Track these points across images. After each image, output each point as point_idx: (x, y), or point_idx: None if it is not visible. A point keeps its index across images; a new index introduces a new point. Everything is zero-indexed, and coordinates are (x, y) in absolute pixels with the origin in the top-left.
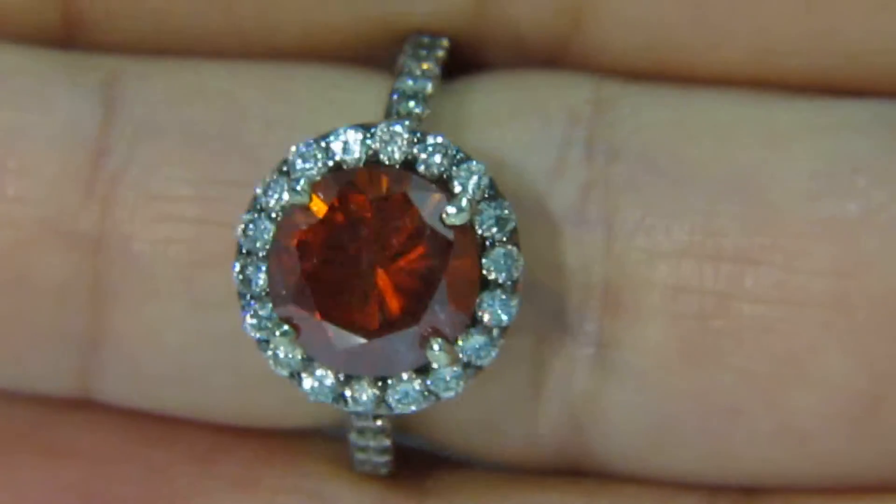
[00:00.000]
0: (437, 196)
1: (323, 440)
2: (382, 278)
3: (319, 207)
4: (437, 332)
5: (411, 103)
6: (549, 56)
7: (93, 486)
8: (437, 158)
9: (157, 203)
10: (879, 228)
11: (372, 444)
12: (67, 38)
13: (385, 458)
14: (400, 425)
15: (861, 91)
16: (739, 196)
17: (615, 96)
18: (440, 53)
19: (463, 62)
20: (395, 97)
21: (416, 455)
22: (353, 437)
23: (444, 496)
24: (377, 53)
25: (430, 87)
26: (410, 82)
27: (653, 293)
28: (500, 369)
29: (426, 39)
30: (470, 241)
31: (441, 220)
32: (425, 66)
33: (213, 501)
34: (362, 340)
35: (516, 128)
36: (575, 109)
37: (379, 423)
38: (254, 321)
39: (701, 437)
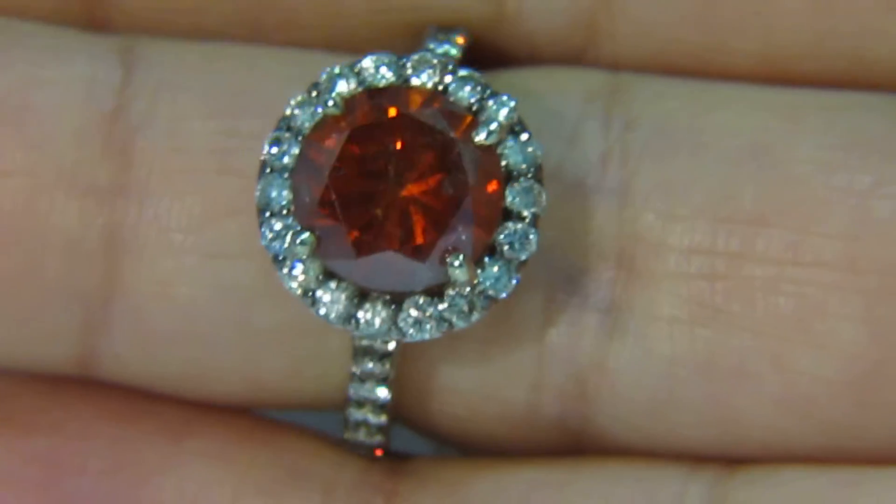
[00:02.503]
0: (469, 118)
1: (305, 426)
2: (407, 194)
3: (349, 120)
4: (456, 250)
5: (440, 49)
6: (565, 61)
7: (58, 458)
8: (469, 89)
9: (176, 156)
10: (892, 198)
11: (373, 395)
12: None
13: (381, 420)
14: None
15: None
16: (755, 164)
17: (630, 81)
18: (462, 40)
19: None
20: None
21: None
22: (352, 387)
23: (421, 476)
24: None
25: (456, 52)
26: (436, 44)
27: (666, 255)
28: (505, 331)
29: (444, 30)
30: (496, 168)
31: (470, 141)
32: (446, 46)
33: (183, 474)
34: (384, 253)
35: (533, 102)
36: (591, 89)
37: (384, 367)
38: (271, 235)
39: (706, 402)
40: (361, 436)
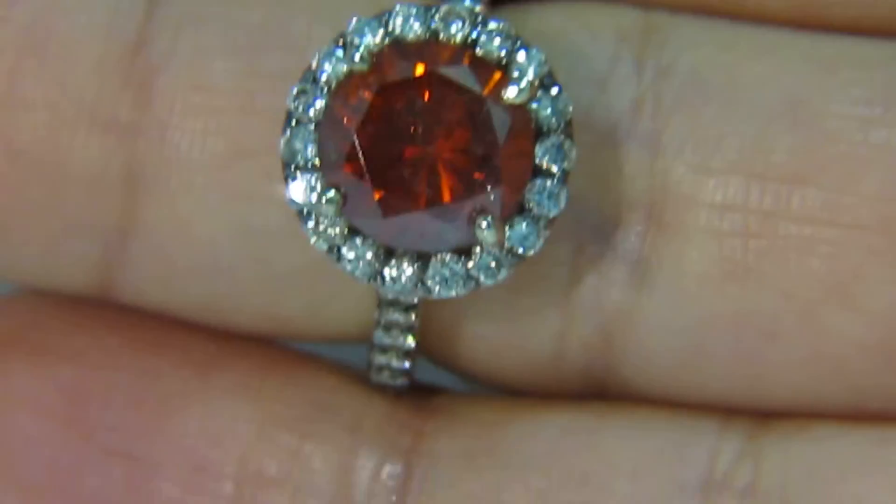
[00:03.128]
0: (498, 75)
1: (332, 359)
2: (435, 153)
3: (377, 76)
4: (485, 211)
5: (467, 2)
6: None
7: (82, 389)
8: (498, 42)
9: (198, 94)
10: None
11: (397, 342)
12: None
13: (406, 364)
14: (420, 343)
15: None
16: (790, 118)
17: (663, 22)
18: None
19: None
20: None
21: (420, 384)
22: (377, 334)
23: (449, 416)
24: None
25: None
26: None
27: (697, 210)
28: (532, 278)
29: None
30: (526, 125)
31: (500, 99)
32: None
33: (207, 408)
34: (411, 213)
35: (564, 42)
36: (623, 29)
37: (410, 317)
38: (297, 190)
39: (734, 359)
40: (385, 378)
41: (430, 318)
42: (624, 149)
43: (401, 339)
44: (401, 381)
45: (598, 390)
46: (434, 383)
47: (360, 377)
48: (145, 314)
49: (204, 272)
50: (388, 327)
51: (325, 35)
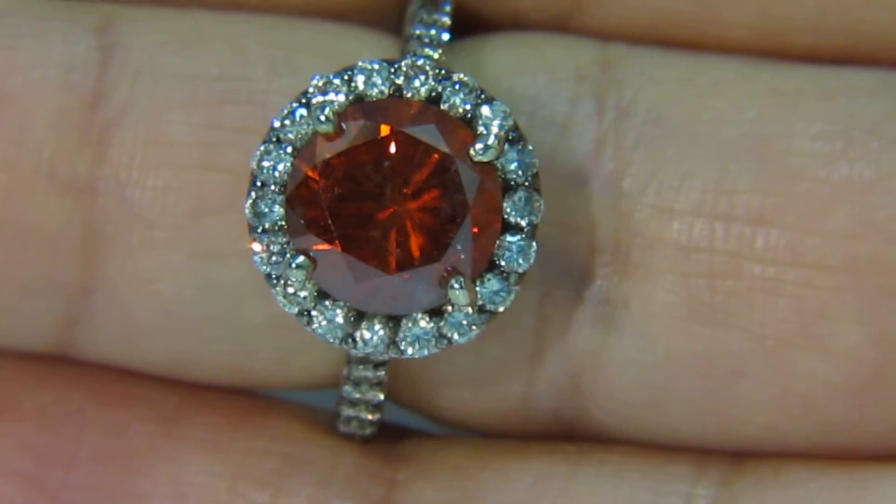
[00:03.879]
0: (464, 132)
1: (298, 404)
2: (404, 214)
3: (342, 138)
4: (457, 272)
5: (427, 49)
6: (550, 28)
7: (47, 447)
8: (462, 96)
9: (157, 148)
10: (893, 194)
11: (366, 396)
12: None
13: (374, 416)
14: (388, 387)
15: (865, 63)
16: (752, 156)
17: (621, 56)
18: (448, 8)
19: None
20: (410, 42)
21: (388, 425)
22: (346, 389)
23: (421, 463)
24: (374, 19)
25: (444, 35)
26: (424, 29)
27: (663, 251)
28: (501, 324)
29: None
30: (494, 181)
31: (467, 156)
32: (437, 16)
33: (175, 463)
34: (381, 275)
35: (524, 83)
36: (581, 67)
37: (379, 373)
38: (265, 255)
39: (703, 400)
40: (354, 428)
41: (397, 365)
42: (588, 191)
43: (370, 393)
44: (370, 432)
45: (569, 431)
46: (403, 424)
47: (328, 422)
48: (108, 367)
49: (168, 329)
50: (357, 382)
51: (286, 86)
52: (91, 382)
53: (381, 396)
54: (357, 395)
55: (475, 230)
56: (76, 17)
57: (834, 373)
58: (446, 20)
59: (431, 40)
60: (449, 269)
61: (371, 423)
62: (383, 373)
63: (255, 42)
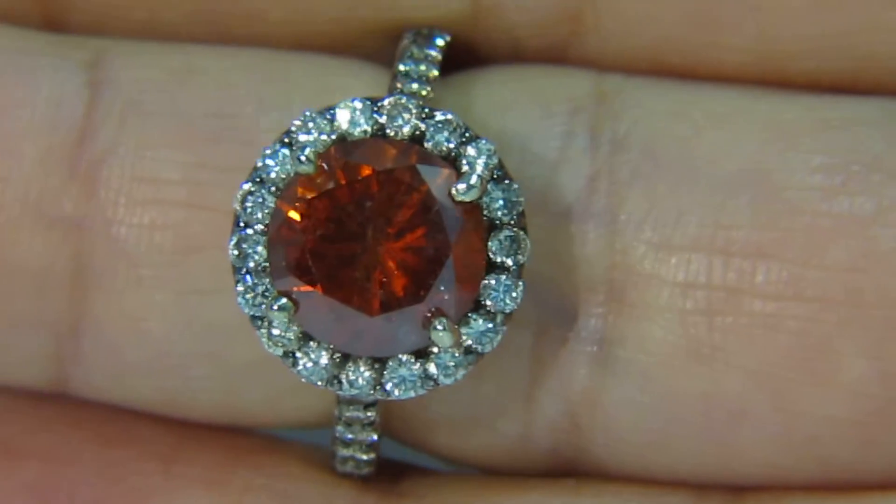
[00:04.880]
0: (446, 171)
1: (295, 442)
2: (386, 255)
3: (324, 178)
4: (440, 313)
5: (414, 85)
6: (548, 59)
7: (48, 487)
8: (446, 135)
9: (144, 186)
10: (894, 226)
11: (359, 437)
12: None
13: (369, 456)
14: (385, 425)
15: (866, 91)
16: (749, 190)
17: (617, 89)
18: (440, 43)
19: (459, 64)
20: (398, 78)
21: (388, 461)
22: (338, 429)
23: (421, 500)
24: (368, 52)
25: (433, 71)
26: (412, 65)
27: (660, 288)
28: (496, 364)
29: (425, 30)
30: (478, 221)
31: (450, 196)
32: (427, 51)
33: (173, 501)
34: (364, 318)
35: (517, 117)
36: (576, 100)
37: (369, 414)
38: (248, 296)
39: (703, 440)
40: (350, 468)
41: (393, 404)
42: (581, 228)
43: (363, 434)
44: (367, 471)
45: (568, 469)
46: (401, 460)
47: (326, 460)
48: (106, 406)
49: (156, 367)
50: (348, 423)
51: (275, 123)
52: (90, 423)
53: (375, 436)
54: (350, 436)
55: (459, 270)
56: (67, 52)
57: (838, 409)
58: (436, 55)
59: (420, 76)
60: (433, 310)
61: (367, 462)
62: (374, 413)
63: (245, 77)
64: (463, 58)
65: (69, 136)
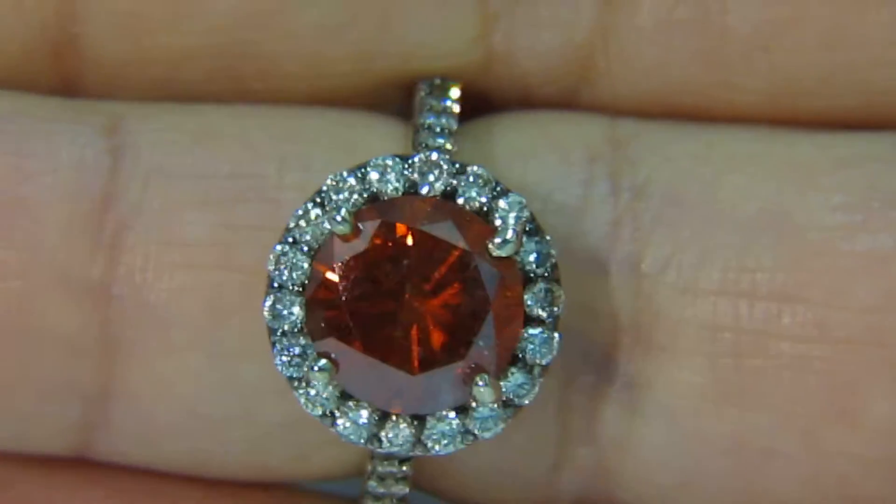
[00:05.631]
0: (480, 227)
1: (322, 493)
2: (425, 311)
3: (360, 238)
4: (480, 369)
5: (439, 139)
6: (558, 104)
7: None
8: (477, 190)
9: (171, 249)
10: None
11: (391, 490)
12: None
13: None
14: (413, 476)
15: (878, 126)
16: (771, 231)
17: (631, 134)
18: (456, 94)
19: (467, 109)
20: (421, 132)
21: None
22: (370, 484)
23: None
24: (378, 102)
25: (454, 124)
26: (434, 118)
27: (687, 332)
28: (524, 413)
29: (438, 81)
30: (514, 276)
31: (486, 252)
32: (445, 104)
33: None
34: (405, 376)
35: (537, 166)
36: (592, 147)
37: (403, 468)
38: (285, 357)
39: (733, 482)
40: None
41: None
42: (607, 274)
43: (395, 488)
44: None
45: None
46: None
47: None
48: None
49: (187, 430)
50: (381, 477)
51: (298, 182)
52: (112, 481)
53: (406, 490)
54: (381, 490)
55: (498, 326)
56: (83, 117)
57: (867, 449)
58: (455, 108)
59: (442, 129)
60: (472, 365)
61: None
62: (408, 468)
63: (264, 137)
64: (472, 104)
65: (93, 202)
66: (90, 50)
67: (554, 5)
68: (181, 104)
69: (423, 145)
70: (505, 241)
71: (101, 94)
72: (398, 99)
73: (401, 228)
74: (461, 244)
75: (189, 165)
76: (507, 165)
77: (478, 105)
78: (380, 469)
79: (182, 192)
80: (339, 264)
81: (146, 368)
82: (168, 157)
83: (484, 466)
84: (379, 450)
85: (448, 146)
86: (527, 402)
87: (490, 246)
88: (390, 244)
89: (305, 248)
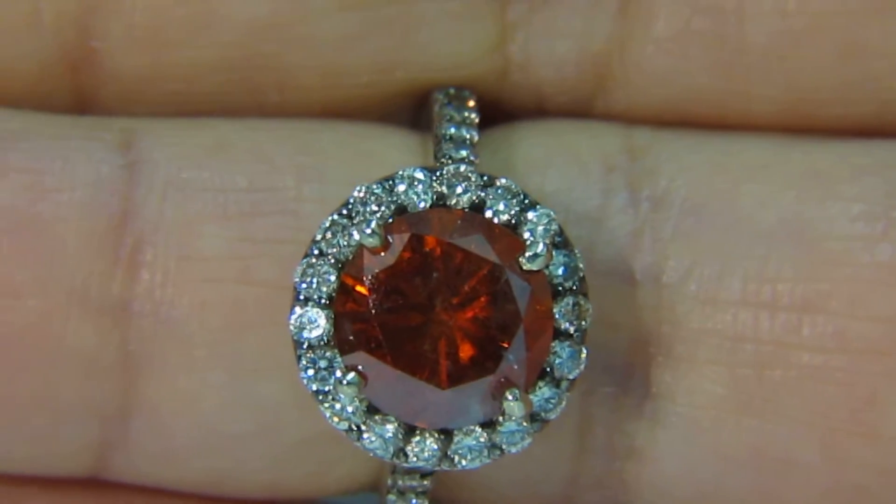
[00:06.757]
0: (510, 239)
1: None
2: (454, 325)
3: (389, 250)
4: (510, 383)
5: (463, 151)
6: (572, 112)
7: None
8: (505, 203)
9: (190, 264)
10: None
11: None
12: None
13: None
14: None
15: (894, 133)
16: (791, 242)
17: (648, 143)
18: (473, 104)
19: (485, 117)
20: (443, 143)
21: None
22: (390, 498)
23: None
24: (390, 112)
25: (475, 135)
26: (455, 129)
27: (707, 342)
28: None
29: (453, 91)
30: (544, 289)
31: (517, 265)
32: (465, 114)
33: None
34: (433, 390)
35: (555, 176)
36: (610, 157)
37: (425, 483)
38: (311, 371)
39: (753, 493)
40: None
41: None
42: (627, 284)
43: (414, 501)
44: None
45: None
46: None
47: None
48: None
49: (207, 448)
50: (402, 492)
51: (315, 193)
52: (122, 497)
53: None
54: None
55: (530, 339)
56: (97, 133)
57: (886, 459)
58: (474, 117)
59: (464, 140)
60: (502, 380)
61: None
62: (429, 482)
63: (279, 149)
64: (487, 113)
65: (110, 218)
66: (107, 65)
67: (570, 15)
68: (193, 118)
69: (447, 157)
70: (536, 255)
71: (117, 108)
72: (411, 109)
73: (430, 241)
74: (492, 257)
75: (206, 179)
76: (525, 175)
77: (493, 114)
78: (400, 483)
79: (200, 207)
80: (369, 277)
81: (166, 385)
82: (184, 172)
83: (503, 479)
84: (405, 465)
85: (471, 157)
86: (553, 416)
87: (521, 259)
88: (420, 257)
89: (332, 261)
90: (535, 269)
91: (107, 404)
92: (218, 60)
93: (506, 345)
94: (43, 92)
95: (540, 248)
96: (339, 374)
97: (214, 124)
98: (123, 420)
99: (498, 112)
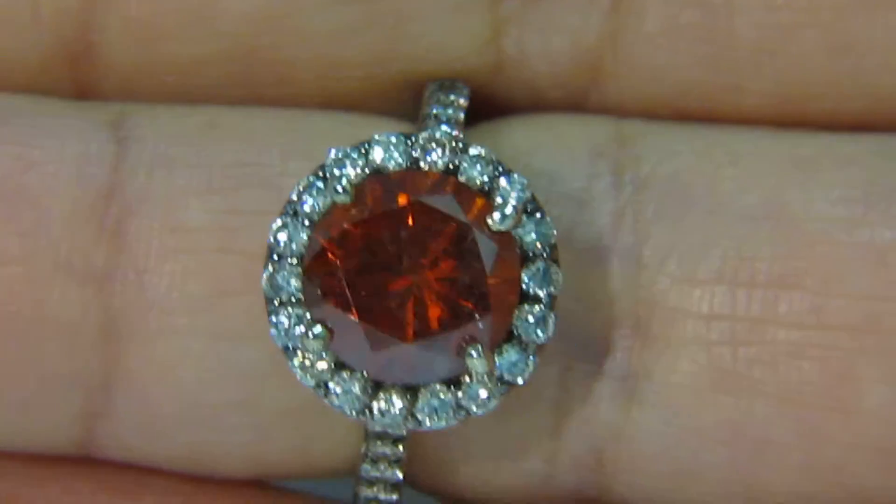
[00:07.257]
0: (481, 202)
1: (311, 496)
2: (422, 283)
3: (359, 209)
4: (474, 341)
5: (444, 127)
6: (566, 106)
7: None
8: (479, 168)
9: (174, 235)
10: None
11: (385, 475)
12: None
13: (393, 497)
14: (407, 467)
15: (884, 129)
16: (771, 222)
17: (637, 133)
18: (464, 91)
19: (477, 114)
20: (427, 120)
21: None
22: (364, 468)
23: None
24: (386, 106)
25: (460, 115)
26: (440, 109)
27: (684, 321)
28: (521, 401)
29: (447, 81)
30: (512, 251)
31: (485, 226)
32: (452, 97)
33: None
34: (398, 344)
35: (541, 160)
36: (598, 145)
37: (397, 450)
38: (282, 326)
39: (729, 470)
40: None
41: (415, 445)
42: (607, 263)
43: (388, 471)
44: (393, 501)
45: None
46: None
47: None
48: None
49: (189, 418)
50: (375, 460)
51: (301, 169)
52: (101, 474)
53: (400, 475)
54: (375, 474)
55: (493, 299)
56: (89, 114)
57: (862, 436)
58: (463, 101)
59: (448, 119)
60: (467, 337)
61: (392, 502)
62: (401, 449)
63: (268, 129)
64: (481, 107)
65: (97, 190)
66: (106, 57)
67: (564, 10)
68: (186, 104)
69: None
70: (504, 216)
71: (116, 101)
72: (406, 103)
73: (401, 199)
74: (460, 217)
75: (193, 155)
76: (511, 158)
77: (487, 109)
78: (374, 450)
79: (186, 181)
80: (338, 233)
81: (149, 353)
82: (172, 148)
83: (480, 459)
84: (371, 422)
85: (452, 133)
86: (521, 380)
87: (489, 220)
88: (390, 215)
89: (305, 221)
90: (503, 229)
91: (91, 374)
92: (215, 53)
93: (470, 304)
94: (43, 85)
95: (508, 209)
96: (304, 327)
97: (206, 109)
98: (106, 389)
99: (492, 107)
